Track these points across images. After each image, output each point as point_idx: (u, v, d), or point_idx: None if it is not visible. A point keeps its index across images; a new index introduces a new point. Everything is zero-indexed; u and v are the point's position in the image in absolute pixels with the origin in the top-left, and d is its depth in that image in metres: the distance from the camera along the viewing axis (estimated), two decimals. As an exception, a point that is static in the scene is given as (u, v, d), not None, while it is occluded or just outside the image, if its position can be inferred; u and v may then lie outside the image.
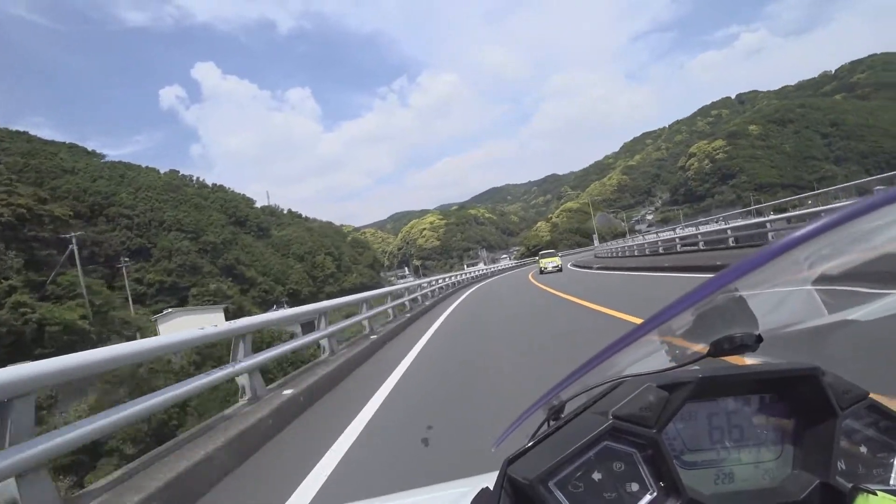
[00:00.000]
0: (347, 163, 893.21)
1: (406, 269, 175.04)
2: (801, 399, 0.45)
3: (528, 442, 0.49)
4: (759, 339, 0.46)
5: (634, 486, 0.41)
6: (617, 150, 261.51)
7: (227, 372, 3.88)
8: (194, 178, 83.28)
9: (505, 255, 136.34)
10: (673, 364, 0.53)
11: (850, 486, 0.40)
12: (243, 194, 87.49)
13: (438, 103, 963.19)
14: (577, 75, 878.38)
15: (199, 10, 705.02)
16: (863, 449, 0.44)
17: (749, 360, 0.49)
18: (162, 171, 79.61)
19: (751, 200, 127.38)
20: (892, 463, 0.44)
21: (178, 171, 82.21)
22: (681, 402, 0.43)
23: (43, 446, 2.21)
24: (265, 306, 59.49)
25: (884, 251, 0.39)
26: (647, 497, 0.41)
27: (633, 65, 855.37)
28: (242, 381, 4.32)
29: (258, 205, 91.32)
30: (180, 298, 57.86)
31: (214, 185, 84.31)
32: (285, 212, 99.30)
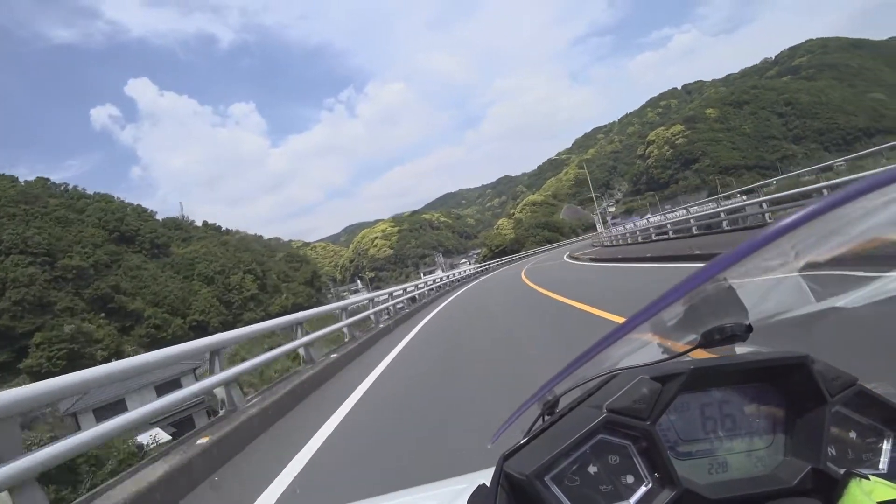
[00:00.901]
0: (298, 178, 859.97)
1: (359, 282, 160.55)
2: (791, 387, 0.46)
3: (524, 437, 0.48)
4: (750, 328, 0.47)
5: (630, 479, 0.41)
6: (569, 146, 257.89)
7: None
8: (70, 187, 65.31)
9: (465, 259, 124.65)
10: (665, 356, 0.53)
11: (842, 471, 0.41)
12: (138, 204, 70.15)
13: (387, 112, 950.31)
14: (522, 79, 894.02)
15: (133, 25, 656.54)
16: (852, 434, 0.44)
17: (740, 350, 0.49)
18: (63, 184, 60.98)
19: (717, 184, 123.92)
20: (881, 448, 0.44)
21: (49, 179, 64.27)
22: (674, 394, 0.43)
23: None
24: (156, 346, 43.61)
25: (870, 237, 0.39)
26: (643, 489, 0.41)
27: (575, 67, 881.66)
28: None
29: (163, 216, 74.15)
30: (16, 350, 40.87)
31: (97, 194, 66.66)
32: (199, 224, 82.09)
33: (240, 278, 63.39)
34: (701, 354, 0.49)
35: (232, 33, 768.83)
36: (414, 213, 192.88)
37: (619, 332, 0.45)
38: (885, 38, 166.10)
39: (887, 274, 0.46)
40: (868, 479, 0.39)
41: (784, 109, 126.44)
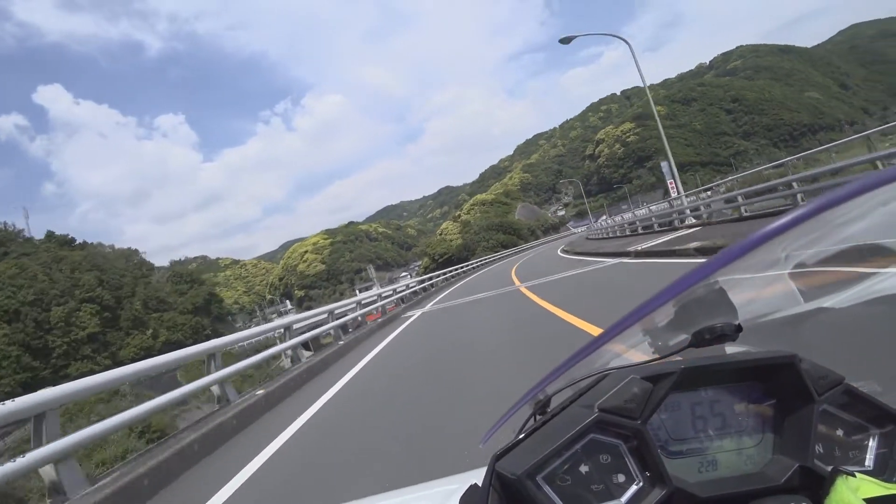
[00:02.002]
0: (233, 194, 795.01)
1: (288, 302, 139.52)
2: (779, 386, 0.46)
3: (515, 437, 0.48)
4: (739, 328, 0.47)
5: (621, 478, 0.41)
6: (511, 153, 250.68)
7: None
8: None
9: (405, 273, 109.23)
10: (656, 355, 0.53)
11: (829, 468, 0.41)
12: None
13: (326, 126, 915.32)
14: (460, 92, 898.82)
15: (49, 29, 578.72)
16: (839, 432, 0.45)
17: (730, 350, 0.50)
18: None
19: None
20: (868, 445, 0.45)
21: None
22: (664, 393, 0.43)
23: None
24: None
25: (858, 240, 0.40)
26: (634, 487, 0.41)
27: (511, 81, 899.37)
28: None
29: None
30: None
31: None
32: (42, 237, 59.87)
33: (65, 312, 43.00)
34: (691, 354, 0.49)
35: (160, 41, 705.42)
36: (350, 223, 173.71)
37: (611, 333, 0.45)
38: (811, 45, 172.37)
39: (875, 273, 0.46)
40: (854, 476, 0.39)
41: (731, 106, 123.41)
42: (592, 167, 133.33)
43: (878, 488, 0.38)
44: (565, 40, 17.93)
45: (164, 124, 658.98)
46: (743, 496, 0.41)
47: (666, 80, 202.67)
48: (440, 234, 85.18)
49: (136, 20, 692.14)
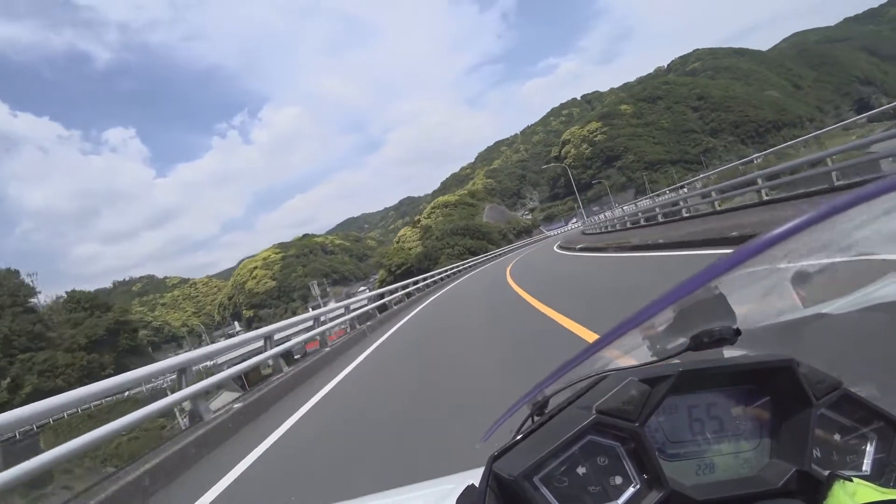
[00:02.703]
0: (189, 210, 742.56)
1: (236, 324, 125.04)
2: (777, 390, 0.46)
3: (513, 438, 0.48)
4: (738, 332, 0.47)
5: (618, 480, 0.41)
6: (473, 160, 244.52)
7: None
8: None
9: (364, 287, 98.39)
10: (654, 358, 0.53)
11: (826, 473, 0.41)
12: None
13: (284, 138, 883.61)
14: (421, 103, 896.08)
15: None
16: (836, 437, 0.45)
17: (728, 353, 0.50)
18: None
19: (644, 180, 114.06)
20: (865, 450, 0.45)
21: None
22: (662, 396, 0.43)
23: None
24: None
25: (860, 247, 0.40)
26: (631, 490, 0.41)
27: (471, 92, 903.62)
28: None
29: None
30: None
31: None
32: None
33: None
34: (690, 357, 0.49)
35: (109, 52, 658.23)
36: (305, 235, 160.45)
37: (610, 337, 0.45)
38: (766, 48, 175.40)
39: (874, 281, 0.47)
40: (851, 481, 0.39)
41: (697, 104, 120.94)
42: (559, 169, 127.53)
43: (875, 493, 0.38)
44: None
45: (112, 138, 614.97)
46: (740, 499, 0.41)
47: (626, 83, 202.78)
48: (397, 242, 74.37)
49: (83, 29, 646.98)
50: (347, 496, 1.29)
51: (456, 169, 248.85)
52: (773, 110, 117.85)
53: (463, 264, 31.68)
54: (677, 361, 0.49)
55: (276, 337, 7.86)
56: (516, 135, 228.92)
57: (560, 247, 22.64)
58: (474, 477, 0.52)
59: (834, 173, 8.11)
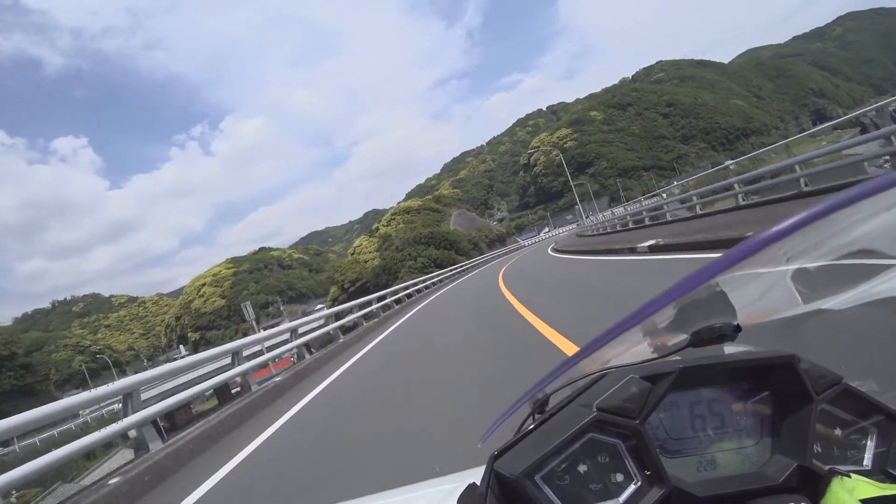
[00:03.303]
0: (146, 224, 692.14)
1: (181, 348, 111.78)
2: (778, 386, 0.46)
3: (514, 436, 0.48)
4: (738, 328, 0.47)
5: (619, 477, 0.41)
6: (438, 171, 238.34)
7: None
8: None
9: (321, 304, 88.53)
10: (655, 355, 0.53)
11: (826, 468, 0.41)
12: None
13: (247, 150, 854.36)
14: (388, 117, 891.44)
15: None
16: (837, 432, 0.45)
17: (728, 349, 0.49)
18: None
19: (618, 187, 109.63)
20: (865, 445, 0.45)
21: None
22: (663, 393, 0.43)
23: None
24: None
25: (860, 244, 0.40)
26: (632, 487, 0.41)
27: (437, 107, 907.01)
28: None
29: None
30: None
31: None
32: None
33: None
34: (690, 354, 0.49)
35: (62, 58, 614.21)
36: (262, 249, 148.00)
37: (611, 335, 0.44)
38: (726, 60, 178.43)
39: (874, 277, 0.47)
40: (850, 476, 0.39)
41: (667, 110, 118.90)
42: (528, 177, 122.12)
43: (874, 489, 0.38)
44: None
45: (62, 147, 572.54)
46: (741, 496, 0.41)
47: (592, 94, 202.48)
48: (352, 254, 64.79)
49: (33, 34, 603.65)
50: None
51: (421, 180, 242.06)
52: (740, 118, 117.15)
53: (425, 282, 23.39)
54: (678, 358, 0.49)
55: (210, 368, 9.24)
56: (482, 146, 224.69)
57: (557, 250, 20.37)
58: (475, 476, 0.52)
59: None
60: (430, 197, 66.67)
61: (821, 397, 0.44)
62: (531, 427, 0.48)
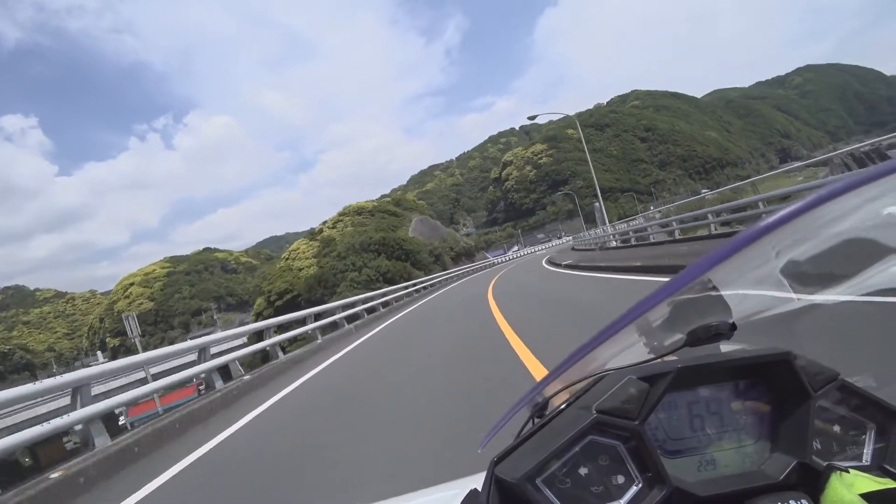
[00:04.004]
0: (96, 214, 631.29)
1: (99, 354, 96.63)
2: (775, 383, 0.46)
3: (514, 441, 0.48)
4: (734, 326, 0.47)
5: (620, 479, 0.41)
6: (405, 182, 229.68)
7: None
8: None
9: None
10: (652, 356, 0.53)
11: (825, 464, 0.41)
12: None
13: (211, 148, 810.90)
14: (360, 127, 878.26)
15: None
16: (836, 428, 0.45)
17: (725, 348, 0.49)
18: None
19: (594, 208, 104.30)
20: (864, 440, 0.45)
21: None
22: (661, 393, 0.43)
23: None
24: None
25: (850, 236, 0.40)
26: (634, 488, 0.41)
27: (411, 121, 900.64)
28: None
29: None
30: None
31: None
32: None
33: None
34: (687, 353, 0.49)
35: (19, 31, 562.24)
36: (206, 249, 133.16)
37: (606, 334, 0.44)
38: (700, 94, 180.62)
39: (866, 269, 0.47)
40: (848, 472, 0.39)
41: (645, 135, 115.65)
42: (498, 192, 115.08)
43: (872, 483, 0.38)
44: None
45: (8, 125, 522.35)
46: (742, 494, 0.41)
47: (566, 116, 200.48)
48: (286, 259, 53.04)
49: None
50: None
51: (387, 191, 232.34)
52: (716, 148, 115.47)
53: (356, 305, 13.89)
54: (675, 358, 0.49)
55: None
56: (452, 160, 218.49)
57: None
58: (476, 482, 0.51)
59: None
60: (388, 199, 54.74)
61: (818, 394, 0.44)
62: (531, 431, 0.47)
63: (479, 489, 0.48)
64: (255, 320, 36.90)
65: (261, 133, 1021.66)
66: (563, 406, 0.48)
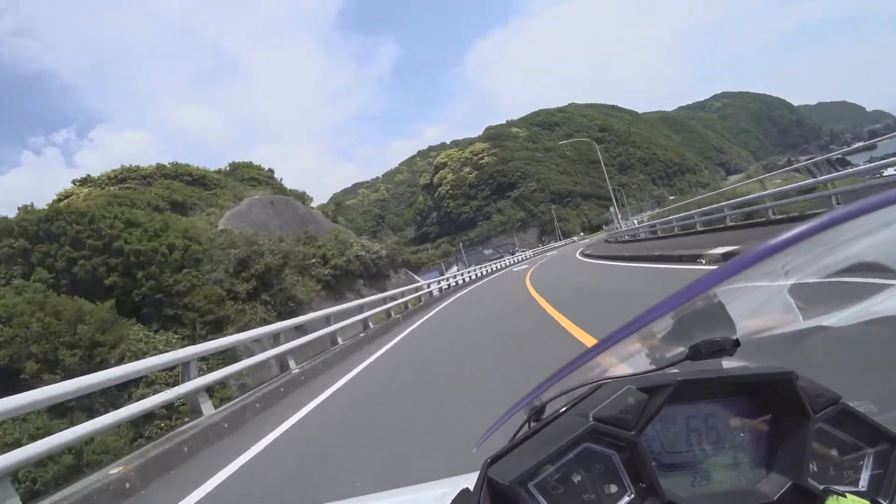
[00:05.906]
0: None
1: None
2: (776, 402, 0.45)
3: (509, 443, 0.47)
4: (737, 343, 0.46)
5: (613, 488, 0.40)
6: (325, 201, 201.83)
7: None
8: None
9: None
10: (652, 367, 0.52)
11: (821, 487, 0.41)
12: None
13: (119, 165, 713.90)
14: (284, 149, 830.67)
15: None
16: (834, 451, 0.44)
17: (727, 364, 0.49)
18: None
19: (553, 217, 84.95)
20: (862, 465, 0.44)
21: None
22: (660, 405, 0.42)
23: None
24: None
25: (860, 259, 0.39)
26: (626, 498, 0.40)
27: (338, 145, 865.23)
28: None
29: None
30: None
31: None
32: None
33: None
34: (688, 367, 0.48)
35: None
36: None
37: (608, 343, 0.44)
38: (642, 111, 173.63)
39: (875, 294, 0.46)
40: (845, 496, 0.39)
41: (601, 135, 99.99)
42: (430, 201, 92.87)
43: None
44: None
45: None
46: None
47: (509, 119, 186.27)
48: None
49: None
50: None
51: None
52: (675, 154, 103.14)
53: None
54: (676, 371, 0.48)
55: None
56: (378, 177, 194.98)
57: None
58: (469, 481, 0.51)
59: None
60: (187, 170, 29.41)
61: (818, 416, 0.43)
62: (526, 434, 0.47)
63: (471, 489, 0.48)
64: None
65: (178, 150, 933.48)
66: (560, 411, 0.48)
